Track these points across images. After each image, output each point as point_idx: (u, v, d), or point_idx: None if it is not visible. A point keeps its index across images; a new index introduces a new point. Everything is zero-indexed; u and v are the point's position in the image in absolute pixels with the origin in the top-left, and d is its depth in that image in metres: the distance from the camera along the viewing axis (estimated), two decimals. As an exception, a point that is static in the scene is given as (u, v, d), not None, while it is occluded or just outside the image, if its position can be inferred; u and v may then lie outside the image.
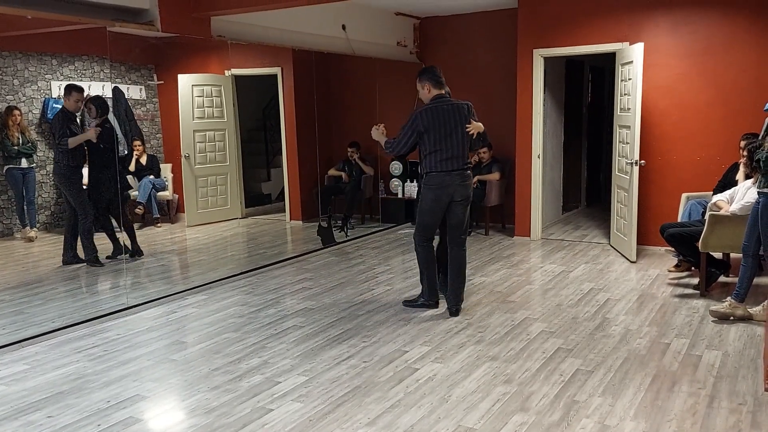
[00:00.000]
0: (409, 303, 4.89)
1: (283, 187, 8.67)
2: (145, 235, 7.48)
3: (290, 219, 8.56)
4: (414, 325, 4.47)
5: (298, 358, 3.90)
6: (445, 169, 4.51)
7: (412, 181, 8.28)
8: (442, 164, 4.51)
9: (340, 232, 7.57)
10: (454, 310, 4.65)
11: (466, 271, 4.84)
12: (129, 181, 7.29)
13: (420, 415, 3.14)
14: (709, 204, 5.20)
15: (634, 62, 5.98)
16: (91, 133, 6.08)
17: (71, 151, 6.07)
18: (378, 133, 4.89)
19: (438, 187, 4.54)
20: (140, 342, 4.26)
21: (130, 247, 6.46)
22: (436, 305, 4.80)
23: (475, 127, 4.56)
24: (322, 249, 6.95)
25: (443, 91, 4.57)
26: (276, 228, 8.49)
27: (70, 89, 6.21)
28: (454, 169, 4.52)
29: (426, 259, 4.74)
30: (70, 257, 6.33)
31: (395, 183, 8.38)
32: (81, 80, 7.97)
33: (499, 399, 3.31)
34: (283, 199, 8.69)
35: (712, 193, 5.43)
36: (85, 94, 6.29)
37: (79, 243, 6.30)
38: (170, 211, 8.53)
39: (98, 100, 6.36)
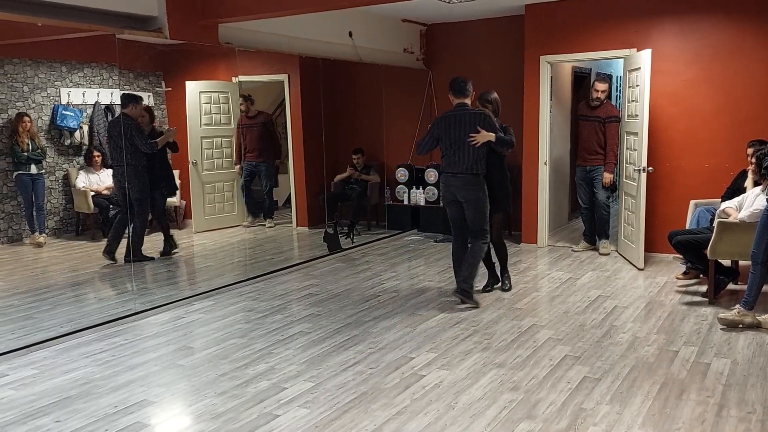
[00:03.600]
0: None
1: (290, 194, 8.69)
2: (152, 241, 7.48)
3: (296, 225, 8.58)
4: (420, 331, 4.47)
5: (304, 364, 3.90)
6: (450, 171, 4.97)
7: (418, 188, 8.28)
8: (449, 167, 4.97)
9: (346, 238, 7.58)
10: (459, 290, 5.05)
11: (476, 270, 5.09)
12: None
13: (426, 422, 3.14)
14: (717, 211, 5.18)
15: (641, 69, 5.97)
16: (172, 133, 6.75)
17: (138, 154, 6.40)
18: None
19: (444, 187, 5.09)
20: (147, 347, 4.27)
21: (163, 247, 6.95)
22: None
23: (482, 137, 4.85)
24: (328, 255, 6.96)
25: (464, 100, 4.97)
26: (282, 234, 8.50)
27: (134, 99, 6.56)
28: (457, 172, 4.93)
29: (453, 251, 5.18)
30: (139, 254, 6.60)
31: (401, 190, 8.38)
32: (90, 87, 8.04)
33: (505, 406, 3.30)
34: (290, 206, 8.72)
35: (720, 200, 5.41)
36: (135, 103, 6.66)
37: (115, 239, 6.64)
38: (177, 217, 8.56)
39: (148, 110, 6.91)
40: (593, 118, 6.63)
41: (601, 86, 6.57)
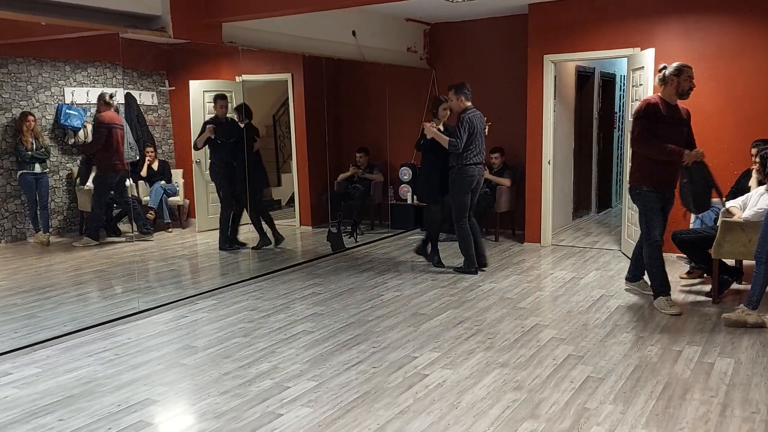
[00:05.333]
0: (459, 269, 6.13)
1: (293, 193, 8.69)
2: (156, 240, 7.51)
3: (300, 224, 8.58)
4: (423, 331, 4.47)
5: (307, 364, 3.90)
6: (476, 162, 5.91)
7: (422, 187, 8.27)
8: (475, 158, 5.89)
9: (349, 237, 7.58)
10: (483, 263, 6.16)
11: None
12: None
13: (429, 422, 3.13)
14: (721, 210, 5.16)
15: (645, 68, 5.97)
16: (208, 131, 6.83)
17: (217, 151, 6.92)
18: (435, 131, 5.94)
19: (471, 176, 5.90)
20: (151, 346, 4.28)
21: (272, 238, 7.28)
22: (475, 272, 6.05)
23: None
24: (331, 254, 6.96)
25: (470, 102, 5.98)
26: (286, 233, 8.50)
27: (216, 98, 6.99)
28: (480, 162, 5.97)
29: (465, 234, 6.03)
30: (224, 244, 7.14)
31: (404, 189, 8.38)
32: (94, 86, 8.05)
33: (509, 406, 3.29)
34: (293, 205, 8.72)
35: (724, 199, 5.39)
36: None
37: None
38: (181, 216, 8.57)
39: (242, 106, 7.09)
40: (683, 121, 4.80)
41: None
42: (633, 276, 5.31)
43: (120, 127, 7.43)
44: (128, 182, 7.81)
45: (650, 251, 4.81)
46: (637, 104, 6.20)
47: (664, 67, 4.68)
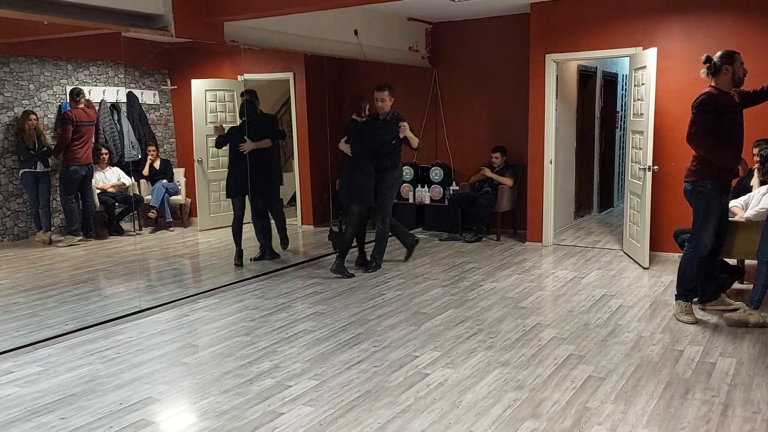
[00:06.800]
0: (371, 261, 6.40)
1: (295, 192, 8.70)
2: (158, 239, 7.51)
3: (301, 223, 8.58)
4: (425, 330, 4.47)
5: (308, 362, 3.90)
6: None
7: (422, 186, 8.27)
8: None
9: (351, 236, 7.55)
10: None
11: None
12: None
13: (430, 421, 3.14)
14: (723, 210, 5.15)
15: (647, 67, 5.96)
16: (217, 130, 6.69)
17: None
18: (410, 132, 6.13)
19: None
20: (152, 345, 4.28)
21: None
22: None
23: None
24: (333, 254, 6.95)
25: None
26: (287, 232, 8.51)
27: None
28: None
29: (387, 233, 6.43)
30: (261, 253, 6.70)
31: (406, 188, 8.37)
32: (96, 85, 8.06)
33: (510, 405, 3.29)
34: (295, 204, 8.72)
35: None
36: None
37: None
38: (183, 215, 8.58)
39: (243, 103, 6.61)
40: (740, 107, 4.58)
41: None
42: (710, 297, 4.75)
43: (88, 124, 7.40)
44: (97, 180, 7.74)
45: (693, 255, 4.55)
46: (639, 104, 6.22)
47: (709, 59, 4.45)
